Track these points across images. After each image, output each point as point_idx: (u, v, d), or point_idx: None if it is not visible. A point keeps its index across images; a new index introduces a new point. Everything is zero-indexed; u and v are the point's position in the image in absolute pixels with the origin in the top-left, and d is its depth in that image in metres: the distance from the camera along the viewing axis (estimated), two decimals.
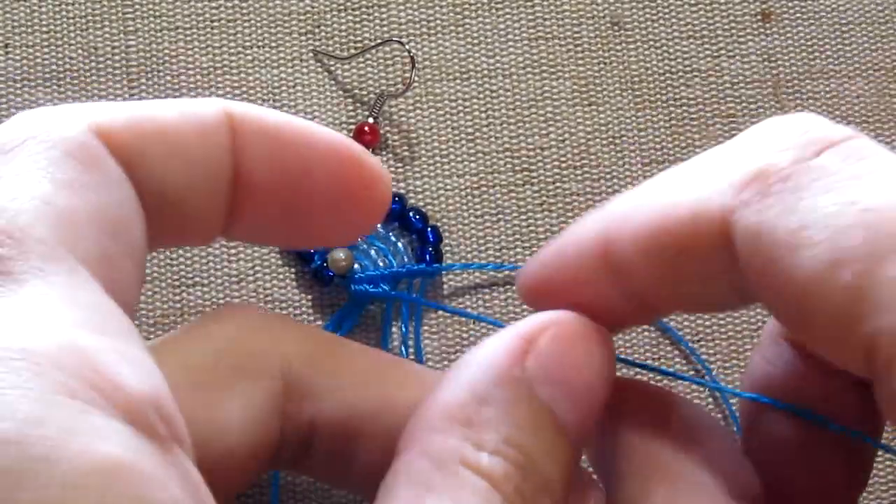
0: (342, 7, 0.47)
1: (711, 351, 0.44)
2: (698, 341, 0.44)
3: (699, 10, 0.48)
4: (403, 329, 0.44)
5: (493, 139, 0.46)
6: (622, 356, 0.34)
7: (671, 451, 0.30)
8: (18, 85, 0.46)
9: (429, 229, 0.45)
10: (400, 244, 0.45)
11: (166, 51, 0.46)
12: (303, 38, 0.47)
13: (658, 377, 0.42)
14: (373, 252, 0.45)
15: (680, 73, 0.47)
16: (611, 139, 0.46)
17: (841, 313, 0.26)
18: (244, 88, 0.46)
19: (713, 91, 0.47)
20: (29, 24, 0.46)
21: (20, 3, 0.47)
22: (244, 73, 0.46)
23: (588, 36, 0.47)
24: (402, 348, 0.44)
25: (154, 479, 0.21)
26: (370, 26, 0.47)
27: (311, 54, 0.47)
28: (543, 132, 0.46)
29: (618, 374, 0.31)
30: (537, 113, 0.46)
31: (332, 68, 0.47)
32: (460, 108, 0.46)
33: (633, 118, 0.47)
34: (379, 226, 0.45)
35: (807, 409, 0.32)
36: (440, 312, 0.44)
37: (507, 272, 0.45)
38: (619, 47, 0.47)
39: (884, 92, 0.47)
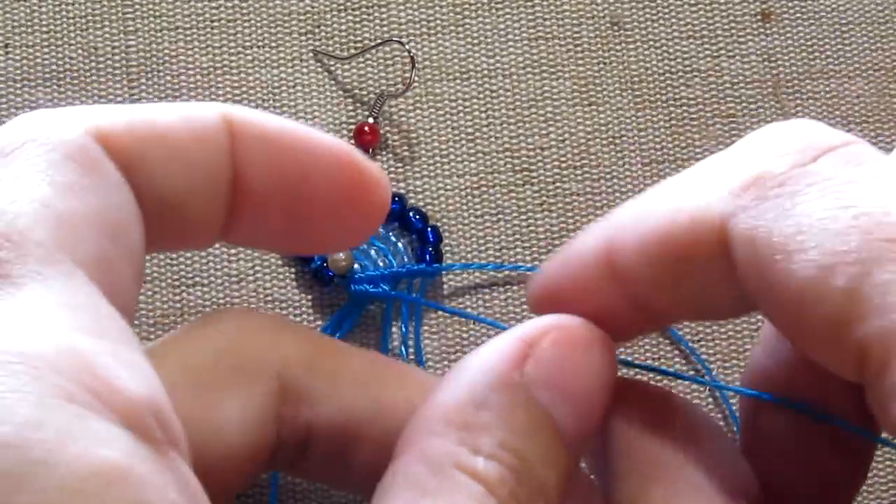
0: (342, 7, 0.47)
1: (711, 351, 0.44)
2: (698, 341, 0.44)
3: (699, 10, 0.48)
4: (403, 329, 0.44)
5: (493, 139, 0.46)
6: (622, 357, 0.34)
7: (669, 451, 0.30)
8: (18, 85, 0.46)
9: (429, 229, 0.45)
10: (400, 244, 0.45)
11: (166, 51, 0.46)
12: (303, 38, 0.47)
13: (658, 377, 0.42)
14: (373, 252, 0.45)
15: (680, 73, 0.47)
16: (611, 139, 0.46)
17: (833, 318, 0.26)
18: (244, 88, 0.46)
19: (713, 91, 0.47)
20: (29, 24, 0.46)
21: (20, 3, 0.47)
22: (244, 73, 0.46)
23: (588, 36, 0.47)
24: (402, 348, 0.44)
25: (151, 484, 0.22)
26: (370, 26, 0.47)
27: (311, 54, 0.47)
28: (543, 132, 0.46)
29: (617, 373, 0.31)
30: (537, 113, 0.46)
31: (332, 68, 0.47)
32: (460, 108, 0.46)
33: (633, 118, 0.46)
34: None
35: (806, 405, 0.32)
36: (440, 312, 0.44)
37: (507, 272, 0.45)
38: (619, 47, 0.47)
39: (884, 92, 0.47)
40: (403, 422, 0.28)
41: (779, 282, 0.27)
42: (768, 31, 0.47)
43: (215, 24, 0.47)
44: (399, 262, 0.44)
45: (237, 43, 0.47)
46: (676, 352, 0.44)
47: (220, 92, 0.46)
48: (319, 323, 0.44)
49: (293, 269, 0.44)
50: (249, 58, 0.47)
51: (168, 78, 0.46)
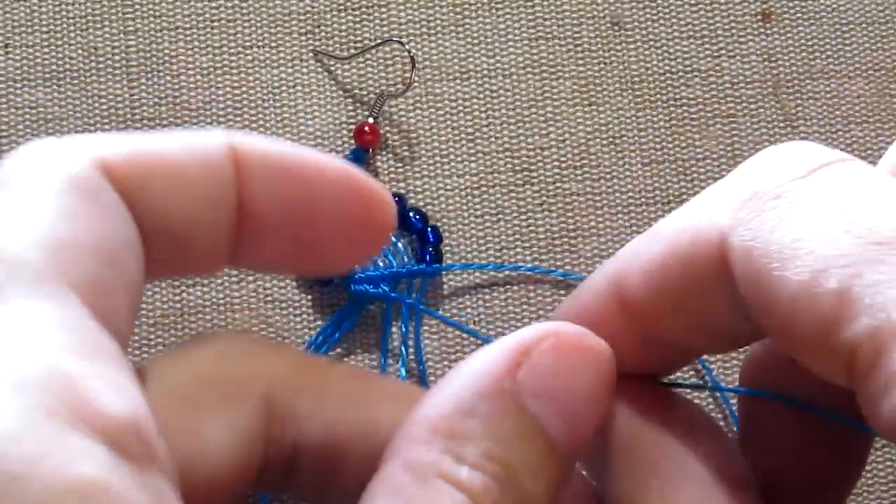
0: (342, 7, 0.47)
1: (711, 357, 0.44)
2: None
3: (699, 10, 0.48)
4: (403, 329, 0.44)
5: (493, 139, 0.46)
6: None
7: (667, 445, 0.30)
8: (18, 85, 0.46)
9: (429, 229, 0.45)
10: (400, 244, 0.45)
11: (166, 51, 0.46)
12: (303, 38, 0.47)
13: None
14: None
15: (680, 73, 0.47)
16: (611, 139, 0.46)
17: (825, 320, 0.26)
18: (244, 88, 0.46)
19: (713, 91, 0.47)
20: (29, 24, 0.46)
21: (20, 3, 0.47)
22: (244, 73, 0.46)
23: (588, 36, 0.47)
24: (402, 348, 0.44)
25: (128, 500, 0.22)
26: (370, 26, 0.47)
27: (311, 54, 0.47)
28: (543, 132, 0.46)
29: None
30: (537, 113, 0.46)
31: (332, 68, 0.47)
32: (460, 108, 0.46)
33: (633, 118, 0.47)
34: None
35: (802, 401, 0.32)
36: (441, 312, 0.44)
37: (507, 272, 0.45)
38: (619, 47, 0.47)
39: (884, 92, 0.47)
40: (390, 437, 0.28)
41: (774, 289, 0.27)
42: (768, 31, 0.47)
43: (215, 24, 0.47)
44: (399, 262, 0.44)
45: (237, 43, 0.47)
46: None
47: (220, 92, 0.46)
48: (319, 323, 0.44)
49: None
50: (249, 58, 0.47)
51: (168, 78, 0.46)
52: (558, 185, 0.46)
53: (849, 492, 0.33)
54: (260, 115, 0.46)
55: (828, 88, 0.47)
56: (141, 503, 0.22)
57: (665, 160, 0.46)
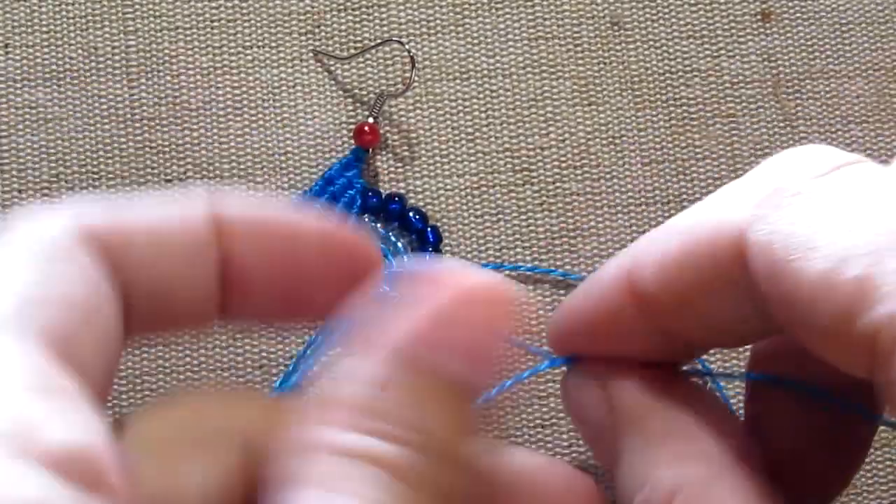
0: (342, 7, 0.47)
1: (711, 350, 0.44)
2: None
3: (699, 10, 0.48)
4: None
5: (493, 139, 0.46)
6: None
7: (674, 420, 0.31)
8: (18, 85, 0.46)
9: (429, 229, 0.45)
10: (400, 244, 0.45)
11: (166, 51, 0.46)
12: (303, 38, 0.47)
13: None
14: None
15: (680, 73, 0.47)
16: (611, 139, 0.46)
17: (845, 308, 0.27)
18: (244, 88, 0.46)
19: (713, 91, 0.47)
20: (29, 24, 0.46)
21: (20, 3, 0.47)
22: (244, 73, 0.46)
23: (588, 36, 0.47)
24: None
25: None
26: (370, 26, 0.47)
27: (311, 54, 0.47)
28: (543, 132, 0.46)
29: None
30: (537, 113, 0.46)
31: (332, 68, 0.47)
32: (460, 108, 0.46)
33: (633, 118, 0.47)
34: (379, 226, 0.45)
35: (807, 385, 0.33)
36: None
37: (506, 272, 0.45)
38: (619, 47, 0.47)
39: (884, 92, 0.47)
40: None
41: (794, 280, 0.27)
42: (768, 31, 0.47)
43: (215, 24, 0.47)
44: None
45: (237, 43, 0.47)
46: None
47: (220, 92, 0.46)
48: (319, 323, 0.44)
49: None
50: (249, 58, 0.47)
51: (168, 78, 0.46)
52: (558, 185, 0.46)
53: (852, 475, 0.34)
54: (260, 115, 0.46)
55: (827, 88, 0.47)
56: None
57: (665, 160, 0.46)
